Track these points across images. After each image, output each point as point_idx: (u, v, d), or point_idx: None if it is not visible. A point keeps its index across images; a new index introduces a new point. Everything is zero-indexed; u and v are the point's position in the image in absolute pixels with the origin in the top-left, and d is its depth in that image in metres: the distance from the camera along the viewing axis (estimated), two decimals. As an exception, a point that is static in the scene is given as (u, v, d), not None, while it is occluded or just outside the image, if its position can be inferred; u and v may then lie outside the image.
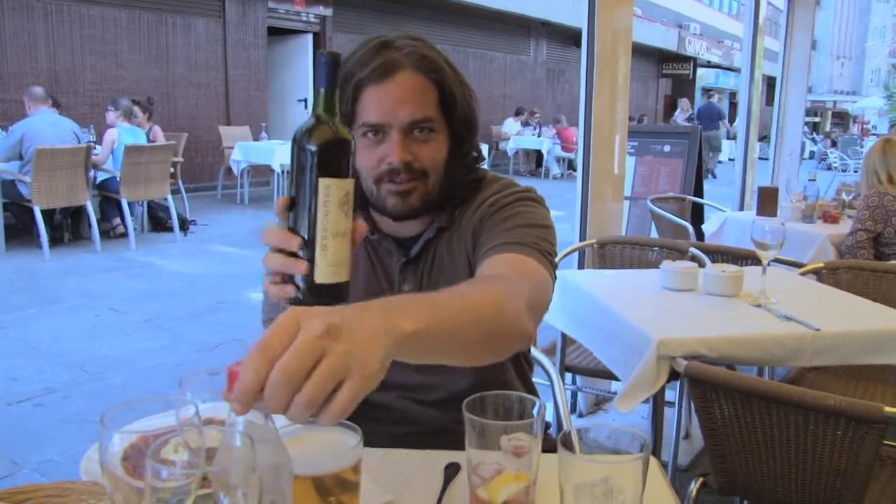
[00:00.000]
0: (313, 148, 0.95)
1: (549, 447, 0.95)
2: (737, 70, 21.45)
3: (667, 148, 6.38)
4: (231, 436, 0.79)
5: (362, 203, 1.41)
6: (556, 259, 1.38)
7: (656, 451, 2.30)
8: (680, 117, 18.04)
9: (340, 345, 0.72)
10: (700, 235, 5.07)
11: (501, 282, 1.14)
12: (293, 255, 0.96)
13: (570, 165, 15.79)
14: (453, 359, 0.99)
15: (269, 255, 0.96)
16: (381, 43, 1.29)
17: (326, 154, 0.96)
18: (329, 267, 0.96)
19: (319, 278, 0.96)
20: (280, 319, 0.74)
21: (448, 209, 1.40)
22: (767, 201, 4.34)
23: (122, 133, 7.58)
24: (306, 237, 0.96)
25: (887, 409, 1.53)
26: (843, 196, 4.72)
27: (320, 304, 0.89)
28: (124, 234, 7.55)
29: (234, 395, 0.72)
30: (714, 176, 16.58)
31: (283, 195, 0.99)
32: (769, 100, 9.22)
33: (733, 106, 27.65)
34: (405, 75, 1.27)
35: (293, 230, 0.96)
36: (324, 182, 0.95)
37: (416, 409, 1.40)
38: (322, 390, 0.70)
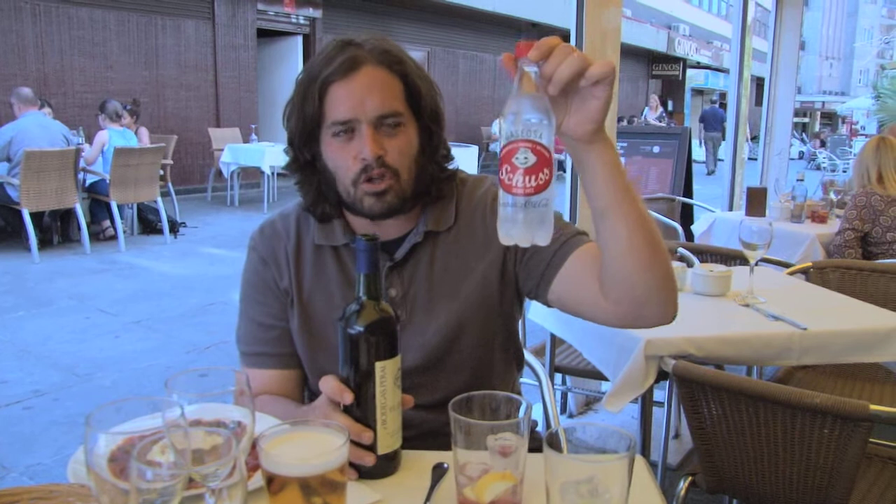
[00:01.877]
0: (363, 332, 1.08)
1: (536, 446, 0.95)
2: (726, 71, 21.52)
3: (656, 149, 6.41)
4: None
5: (338, 208, 1.41)
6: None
7: (646, 451, 2.31)
8: (650, 116, 17.65)
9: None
10: (689, 236, 5.09)
11: None
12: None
13: (560, 167, 15.81)
14: (623, 216, 1.12)
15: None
16: (344, 42, 1.31)
17: (376, 336, 1.09)
18: (389, 437, 1.11)
19: (381, 450, 1.10)
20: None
21: (433, 211, 1.40)
22: (756, 201, 4.35)
23: (113, 135, 7.57)
24: (366, 413, 1.10)
25: (873, 407, 1.54)
26: (832, 196, 4.74)
27: (381, 470, 1.11)
28: (114, 237, 7.52)
29: (534, 47, 0.98)
30: (712, 173, 17.82)
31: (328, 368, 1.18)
32: (758, 100, 9.26)
33: (723, 107, 27.75)
34: (369, 69, 1.28)
35: (351, 409, 1.11)
36: (379, 365, 1.08)
37: (408, 414, 1.41)
38: (585, 59, 0.98)
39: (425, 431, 1.33)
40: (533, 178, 0.93)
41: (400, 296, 1.38)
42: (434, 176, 1.39)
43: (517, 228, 0.95)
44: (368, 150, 1.27)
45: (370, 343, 1.08)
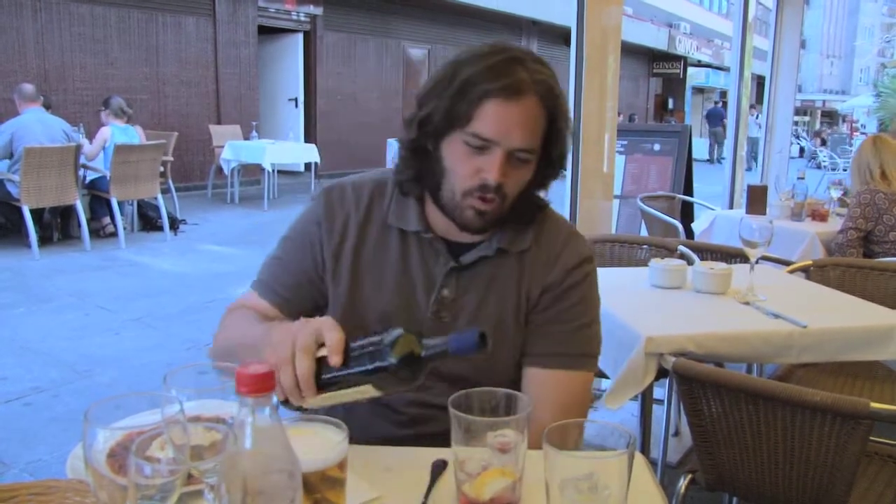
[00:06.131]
0: (388, 366, 1.02)
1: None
2: (727, 69, 21.61)
3: (657, 147, 6.40)
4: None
5: (419, 197, 1.40)
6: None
7: (645, 449, 2.31)
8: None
9: None
10: (690, 233, 5.09)
11: None
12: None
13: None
14: None
15: (290, 367, 1.05)
16: (511, 58, 1.27)
17: (395, 378, 1.03)
18: (316, 403, 1.08)
19: (307, 405, 1.08)
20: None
21: (511, 231, 1.39)
22: (757, 199, 4.35)
23: (116, 132, 7.56)
24: (326, 379, 1.05)
25: (873, 404, 1.54)
26: (833, 194, 4.75)
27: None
28: (114, 234, 7.51)
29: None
30: (720, 162, 20.51)
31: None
32: (759, 98, 9.25)
33: (724, 105, 27.80)
34: (530, 101, 1.26)
35: (321, 365, 1.06)
36: (370, 387, 1.04)
37: (422, 413, 1.40)
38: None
39: (437, 431, 1.32)
40: None
41: (451, 299, 1.39)
42: (529, 203, 1.39)
43: None
44: (495, 175, 1.26)
45: (381, 376, 1.04)
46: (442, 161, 1.32)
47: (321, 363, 1.05)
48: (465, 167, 1.29)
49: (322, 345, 1.06)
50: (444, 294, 1.38)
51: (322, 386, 1.05)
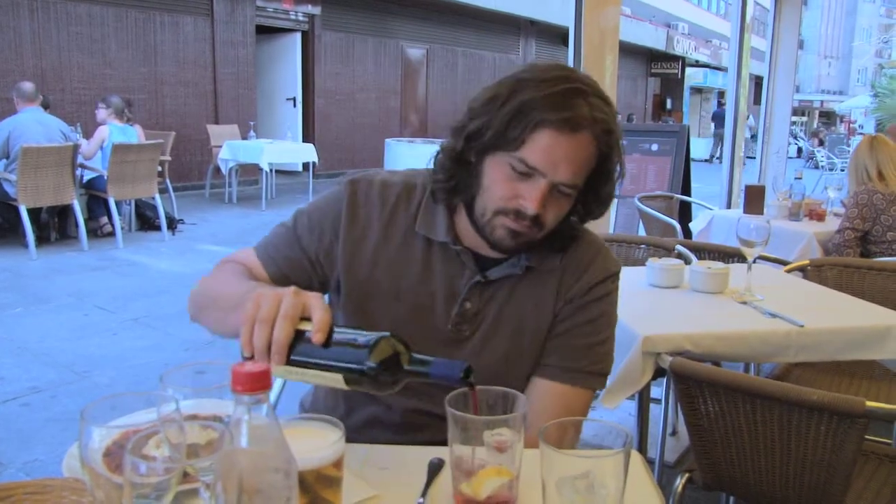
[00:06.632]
0: (364, 368, 1.00)
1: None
2: (725, 69, 21.70)
3: (654, 146, 6.41)
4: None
5: (449, 206, 1.38)
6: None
7: (643, 448, 2.31)
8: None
9: None
10: (687, 233, 5.09)
11: None
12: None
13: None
14: None
15: (268, 328, 1.03)
16: (575, 89, 1.23)
17: (367, 378, 1.01)
18: (279, 374, 1.04)
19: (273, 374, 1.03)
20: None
21: (537, 251, 1.37)
22: (754, 199, 4.36)
23: (114, 131, 7.54)
24: (298, 354, 1.03)
25: (869, 403, 1.54)
26: (830, 193, 4.76)
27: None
28: (111, 233, 7.51)
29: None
30: (711, 161, 22.34)
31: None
32: (757, 99, 9.26)
33: (721, 105, 27.87)
34: (585, 138, 1.23)
35: (299, 338, 1.03)
36: (340, 377, 1.02)
37: (422, 421, 1.39)
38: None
39: (441, 440, 1.32)
40: None
41: (472, 312, 1.37)
42: (563, 233, 1.37)
43: None
44: (534, 206, 1.24)
45: (355, 373, 1.02)
46: (481, 177, 1.29)
47: (299, 336, 1.03)
48: (504, 189, 1.26)
49: (306, 319, 1.04)
50: (467, 307, 1.37)
51: (293, 360, 1.03)
